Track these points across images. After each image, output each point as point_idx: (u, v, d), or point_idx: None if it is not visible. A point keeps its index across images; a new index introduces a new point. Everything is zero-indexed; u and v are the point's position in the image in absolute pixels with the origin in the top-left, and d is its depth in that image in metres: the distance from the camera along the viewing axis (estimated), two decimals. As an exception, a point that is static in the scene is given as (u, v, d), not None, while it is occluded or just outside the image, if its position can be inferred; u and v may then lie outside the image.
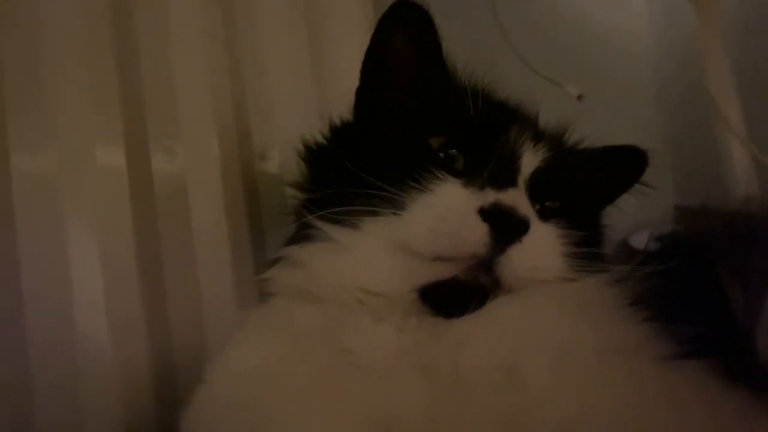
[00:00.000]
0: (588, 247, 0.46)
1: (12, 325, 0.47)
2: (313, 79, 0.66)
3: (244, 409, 0.39)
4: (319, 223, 0.47)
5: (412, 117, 0.49)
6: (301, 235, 0.49)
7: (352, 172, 0.45)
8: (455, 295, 0.42)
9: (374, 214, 0.44)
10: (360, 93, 0.54)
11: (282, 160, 0.61)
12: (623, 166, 0.56)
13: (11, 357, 0.47)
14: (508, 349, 0.37)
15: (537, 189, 0.47)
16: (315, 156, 0.52)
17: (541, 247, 0.43)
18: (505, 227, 0.41)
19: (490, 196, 0.42)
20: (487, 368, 0.36)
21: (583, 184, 0.51)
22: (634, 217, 0.57)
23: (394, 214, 0.44)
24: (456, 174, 0.45)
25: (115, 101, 0.54)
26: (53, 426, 0.48)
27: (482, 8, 1.17)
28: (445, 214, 0.43)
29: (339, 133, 0.53)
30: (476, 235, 0.41)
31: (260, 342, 0.44)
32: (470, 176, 0.44)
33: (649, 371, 0.35)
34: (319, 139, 0.53)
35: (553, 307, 0.40)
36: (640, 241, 0.63)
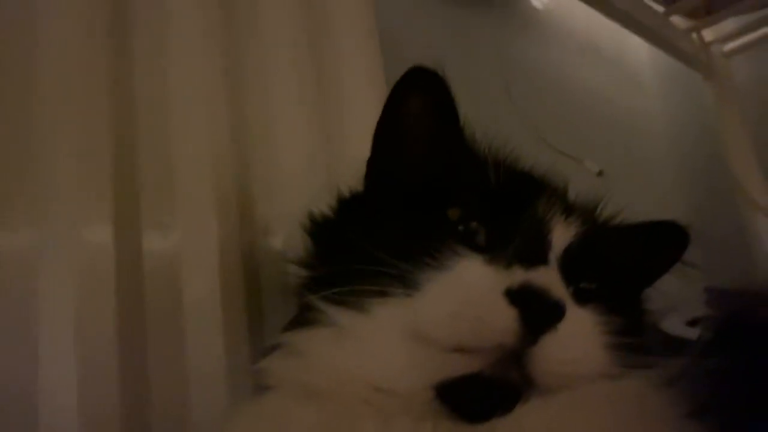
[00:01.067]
0: (631, 336, 0.39)
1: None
2: (322, 151, 0.62)
3: None
4: (322, 305, 0.41)
5: (428, 188, 0.44)
6: (303, 318, 0.43)
7: (360, 248, 0.40)
8: (479, 394, 0.35)
9: (385, 295, 0.39)
10: (371, 163, 0.49)
11: (287, 237, 0.56)
12: (663, 243, 0.50)
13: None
14: None
15: (571, 268, 0.41)
16: (320, 230, 0.47)
17: (579, 336, 0.37)
18: (537, 312, 0.35)
19: (518, 276, 0.37)
20: None
21: (621, 262, 0.45)
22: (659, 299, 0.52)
23: (408, 295, 0.38)
24: (477, 249, 0.40)
25: (106, 173, 0.50)
26: None
27: (498, 90, 1.17)
28: (466, 295, 0.37)
29: (347, 205, 0.48)
30: (504, 320, 0.35)
31: None
32: (494, 252, 0.39)
33: None
34: (326, 212, 0.48)
35: (597, 417, 0.33)
36: (672, 326, 0.57)
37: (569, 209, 0.44)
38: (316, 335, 0.41)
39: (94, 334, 0.46)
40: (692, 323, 0.58)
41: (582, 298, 0.40)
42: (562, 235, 0.41)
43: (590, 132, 1.36)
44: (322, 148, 0.61)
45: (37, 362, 0.44)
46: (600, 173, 1.23)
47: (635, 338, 0.40)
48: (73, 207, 0.48)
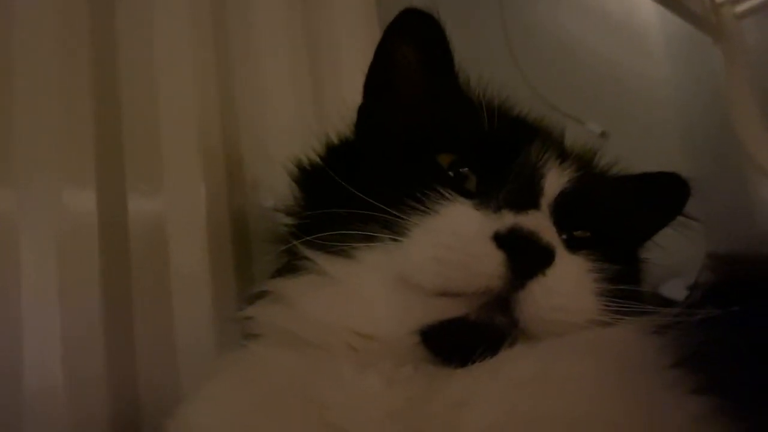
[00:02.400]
0: (624, 284, 0.39)
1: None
2: (311, 100, 0.60)
3: None
4: (308, 252, 0.40)
5: (420, 133, 0.43)
6: (289, 266, 0.42)
7: (348, 193, 0.39)
8: (464, 338, 0.34)
9: (372, 240, 0.38)
10: (362, 110, 0.48)
11: (276, 190, 0.54)
12: (663, 194, 0.49)
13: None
14: (519, 418, 0.29)
15: (564, 215, 0.40)
16: (308, 176, 0.46)
17: (569, 282, 0.36)
18: (525, 256, 0.34)
19: (507, 220, 0.35)
20: None
21: (617, 211, 0.43)
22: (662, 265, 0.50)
23: (394, 240, 0.37)
24: (467, 195, 0.38)
25: (88, 136, 0.48)
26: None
27: (499, 48, 1.14)
28: (452, 239, 0.36)
29: (336, 152, 0.46)
30: (490, 265, 0.34)
31: (226, 394, 0.37)
32: (484, 197, 0.38)
33: None
34: (314, 159, 0.47)
35: (580, 366, 0.32)
36: (673, 290, 0.55)
37: (564, 155, 0.42)
38: (301, 282, 0.41)
39: (78, 300, 0.45)
40: (693, 288, 0.57)
41: (574, 245, 0.39)
42: (555, 180, 0.40)
43: (595, 94, 1.33)
44: (312, 97, 0.60)
45: (21, 331, 0.44)
46: (603, 134, 1.21)
47: (628, 286, 0.39)
48: (53, 171, 0.47)
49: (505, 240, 0.34)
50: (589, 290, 0.37)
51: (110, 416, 0.45)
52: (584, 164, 0.43)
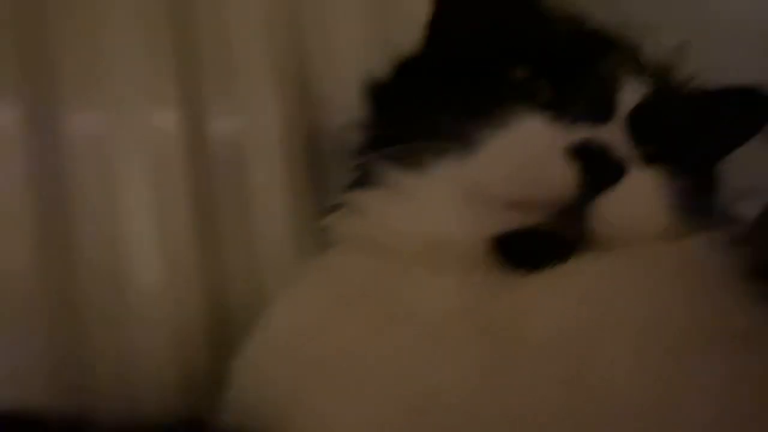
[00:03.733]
0: (697, 198, 0.39)
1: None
2: (379, 19, 0.60)
3: (290, 365, 0.35)
4: (381, 165, 0.42)
5: (491, 47, 0.43)
6: (363, 179, 0.44)
7: (419, 108, 0.40)
8: (534, 246, 0.36)
9: (444, 154, 0.39)
10: (431, 25, 0.48)
11: (348, 106, 0.56)
12: (742, 111, 0.47)
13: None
14: (585, 319, 0.31)
15: (638, 129, 0.39)
16: (379, 93, 0.47)
17: (641, 195, 0.37)
18: (597, 170, 0.35)
19: (580, 133, 0.36)
20: (555, 339, 0.30)
21: (693, 127, 0.43)
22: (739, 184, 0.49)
23: (467, 153, 0.38)
24: (541, 108, 0.39)
25: (169, 59, 0.51)
26: (102, 360, 0.46)
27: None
28: (525, 152, 0.36)
29: (406, 68, 0.47)
30: (563, 177, 0.35)
31: (306, 297, 0.40)
32: (558, 110, 0.38)
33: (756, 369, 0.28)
34: (385, 76, 0.47)
35: (648, 273, 0.33)
36: (749, 210, 0.54)
37: (640, 68, 0.41)
38: (375, 194, 0.42)
39: (170, 215, 0.49)
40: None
41: (648, 158, 0.39)
42: (630, 94, 0.40)
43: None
44: (381, 11, 0.59)
45: (121, 246, 0.48)
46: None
47: (700, 201, 0.39)
48: (141, 94, 0.49)
49: (578, 153, 0.35)
50: (661, 203, 0.38)
51: (204, 321, 0.50)
52: (661, 78, 0.42)
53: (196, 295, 0.49)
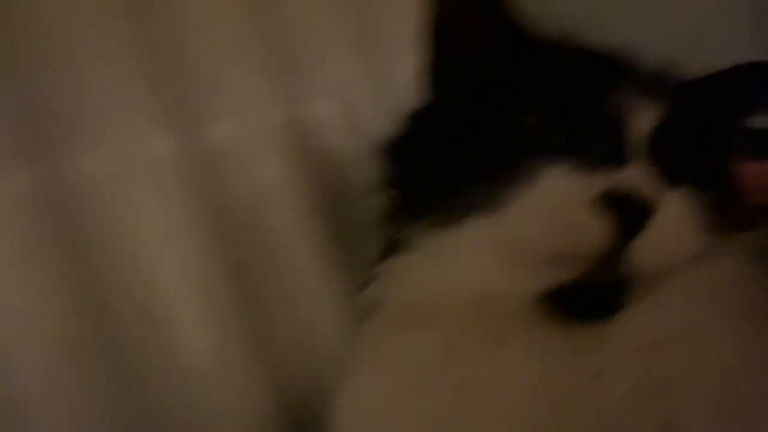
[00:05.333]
0: (724, 206, 0.39)
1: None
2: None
3: None
4: (410, 232, 0.43)
5: (497, 92, 0.43)
6: (395, 245, 0.45)
7: (439, 166, 0.41)
8: (582, 300, 0.37)
9: (471, 211, 0.40)
10: (430, 70, 0.48)
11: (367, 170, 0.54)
12: (750, 89, 0.47)
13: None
14: (655, 381, 0.32)
15: (659, 151, 0.40)
16: (395, 152, 0.47)
17: (673, 225, 0.37)
18: (627, 216, 0.35)
19: (603, 178, 0.37)
20: (636, 406, 0.31)
21: (710, 126, 0.43)
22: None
23: (494, 210, 0.39)
24: (559, 156, 0.39)
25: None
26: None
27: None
28: (553, 208, 0.37)
29: (417, 121, 0.47)
30: (594, 229, 0.36)
31: (381, 385, 0.41)
32: (576, 156, 0.38)
33: None
34: (398, 132, 0.47)
35: (702, 319, 0.34)
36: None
37: (648, 87, 0.41)
38: (410, 259, 0.43)
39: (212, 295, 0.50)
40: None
41: (672, 177, 0.40)
42: (645, 118, 0.40)
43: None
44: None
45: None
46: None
47: (728, 210, 0.40)
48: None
49: (605, 204, 0.36)
50: (693, 226, 0.38)
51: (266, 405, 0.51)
52: (669, 88, 0.43)
53: (252, 378, 0.51)
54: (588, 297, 0.37)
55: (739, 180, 0.44)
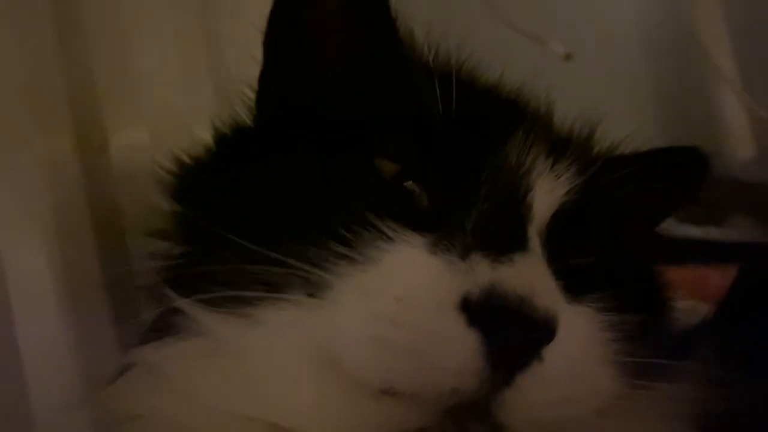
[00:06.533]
0: (641, 330, 0.27)
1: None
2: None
3: None
4: (192, 309, 0.28)
5: (347, 122, 0.29)
6: (165, 325, 0.29)
7: (246, 221, 0.27)
8: None
9: (281, 295, 0.25)
10: (263, 81, 0.33)
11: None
12: (677, 173, 0.37)
13: None
14: None
15: (561, 240, 0.27)
16: (187, 190, 0.31)
17: (575, 359, 0.24)
18: (511, 340, 0.22)
19: (480, 274, 0.23)
20: None
21: (629, 216, 0.31)
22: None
23: (315, 297, 0.25)
24: (418, 224, 0.26)
25: None
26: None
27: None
28: (399, 309, 0.23)
29: (228, 147, 0.32)
30: (459, 354, 0.22)
31: None
32: (442, 229, 0.25)
33: None
34: (199, 159, 0.32)
35: None
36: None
37: (557, 148, 0.29)
38: (184, 350, 0.28)
39: None
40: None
41: (577, 282, 0.27)
42: (548, 192, 0.27)
43: (557, 9, 1.18)
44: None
45: None
46: (568, 57, 1.07)
47: (645, 334, 0.28)
48: None
49: (481, 314, 0.22)
50: (602, 358, 0.26)
51: None
52: (583, 158, 0.30)
53: None
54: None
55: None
